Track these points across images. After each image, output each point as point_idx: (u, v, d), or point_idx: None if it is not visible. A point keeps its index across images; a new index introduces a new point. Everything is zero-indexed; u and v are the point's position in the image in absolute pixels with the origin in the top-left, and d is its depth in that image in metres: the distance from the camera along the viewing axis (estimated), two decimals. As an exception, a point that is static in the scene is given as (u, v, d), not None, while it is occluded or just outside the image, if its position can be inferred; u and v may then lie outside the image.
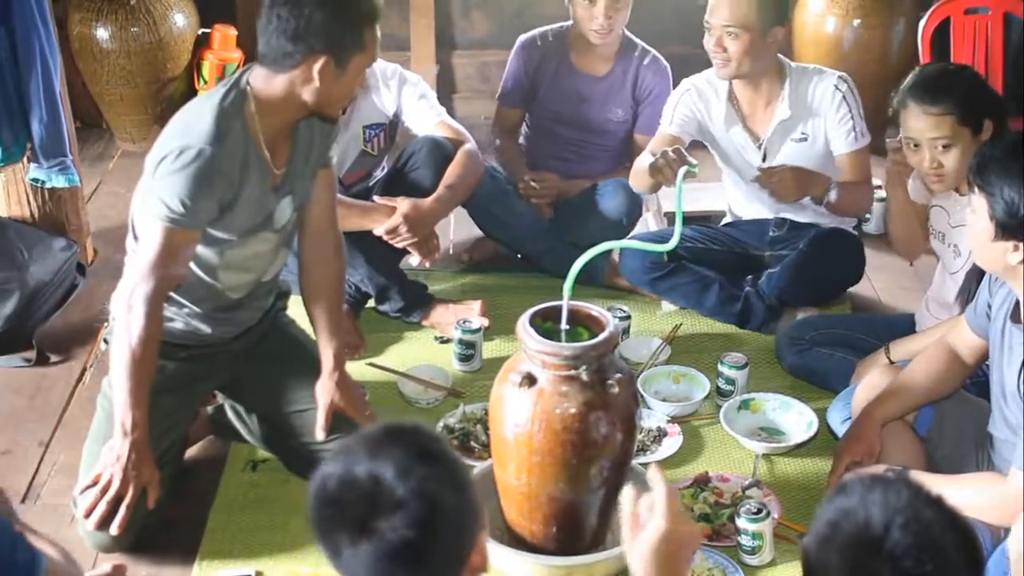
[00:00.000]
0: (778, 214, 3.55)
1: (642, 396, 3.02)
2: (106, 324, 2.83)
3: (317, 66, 2.47)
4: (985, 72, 4.16)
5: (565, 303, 2.48)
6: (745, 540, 2.57)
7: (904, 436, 2.66)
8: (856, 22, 4.54)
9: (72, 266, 3.61)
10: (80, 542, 2.58)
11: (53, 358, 3.35)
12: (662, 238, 3.03)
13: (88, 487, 2.50)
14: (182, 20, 4.58)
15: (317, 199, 2.77)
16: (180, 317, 2.67)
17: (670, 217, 3.80)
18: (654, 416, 3.04)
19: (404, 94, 3.50)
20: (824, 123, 3.39)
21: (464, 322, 3.32)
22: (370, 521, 1.42)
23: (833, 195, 3.33)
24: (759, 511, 2.56)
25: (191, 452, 2.93)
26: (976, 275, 2.71)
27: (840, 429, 2.84)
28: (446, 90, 4.96)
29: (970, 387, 2.73)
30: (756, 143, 3.46)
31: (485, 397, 2.70)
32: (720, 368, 3.13)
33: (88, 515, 2.49)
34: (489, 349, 3.35)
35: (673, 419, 3.04)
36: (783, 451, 2.94)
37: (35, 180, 3.54)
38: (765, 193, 3.42)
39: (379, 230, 3.27)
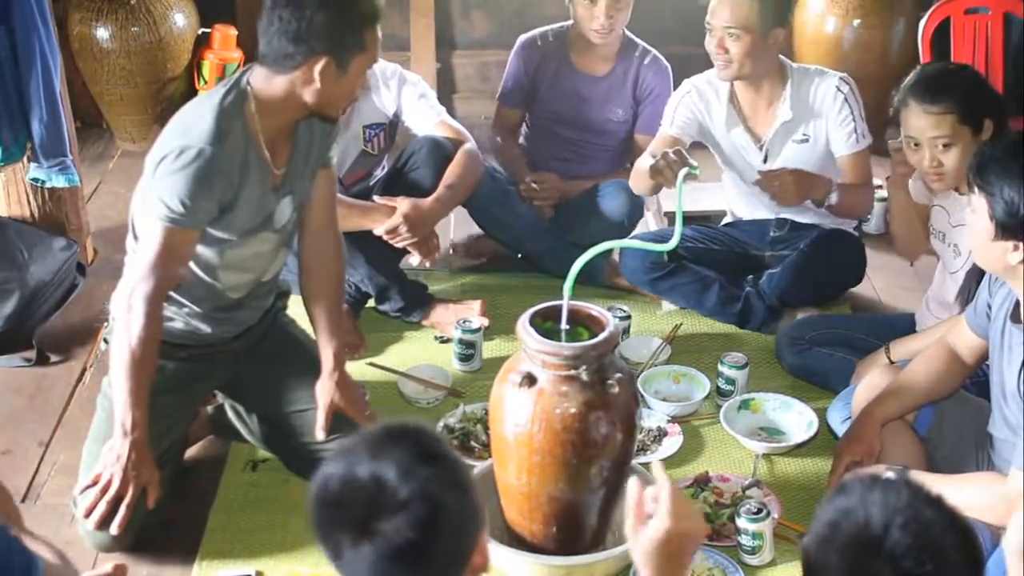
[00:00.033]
0: (779, 214, 3.55)
1: (642, 396, 3.02)
2: (106, 324, 2.83)
3: (318, 67, 2.47)
4: (985, 72, 4.16)
5: (565, 303, 2.48)
6: (745, 540, 2.57)
7: (904, 436, 2.66)
8: (856, 22, 4.54)
9: (72, 266, 3.61)
10: (80, 542, 2.59)
11: (53, 358, 3.35)
12: (662, 238, 3.02)
13: (88, 487, 2.50)
14: (182, 20, 4.58)
15: (317, 199, 2.77)
16: (180, 317, 2.67)
17: (670, 217, 3.80)
18: (654, 416, 3.04)
19: (404, 94, 3.50)
20: (825, 124, 3.39)
21: (464, 322, 3.32)
22: (372, 522, 1.42)
23: (834, 198, 3.33)
24: (759, 511, 2.56)
25: (191, 452, 2.93)
26: (976, 275, 2.71)
27: (840, 429, 2.84)
28: (446, 90, 4.96)
29: (970, 387, 2.73)
30: (757, 144, 3.45)
31: (485, 397, 2.70)
32: (720, 368, 3.13)
33: (88, 515, 2.49)
34: (489, 349, 3.35)
35: (673, 419, 3.04)
36: (783, 451, 2.94)
37: (35, 180, 3.54)
38: (766, 195, 3.42)
39: (379, 230, 3.27)
